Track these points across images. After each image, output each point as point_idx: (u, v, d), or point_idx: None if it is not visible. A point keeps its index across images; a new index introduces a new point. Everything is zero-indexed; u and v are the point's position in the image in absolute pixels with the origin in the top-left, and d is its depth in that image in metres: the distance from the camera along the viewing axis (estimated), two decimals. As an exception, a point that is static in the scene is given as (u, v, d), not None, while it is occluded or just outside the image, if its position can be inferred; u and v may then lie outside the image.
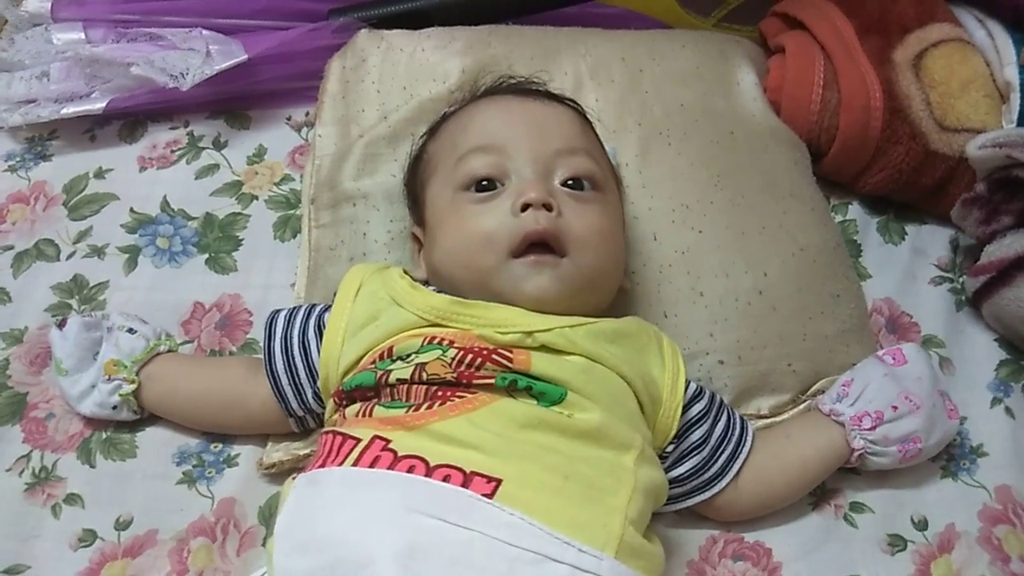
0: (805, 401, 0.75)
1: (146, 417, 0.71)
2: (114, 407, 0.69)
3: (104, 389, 0.68)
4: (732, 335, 0.74)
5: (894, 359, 0.72)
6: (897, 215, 0.90)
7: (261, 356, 0.68)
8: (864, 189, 0.89)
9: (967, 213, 0.83)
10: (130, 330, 0.71)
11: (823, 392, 0.74)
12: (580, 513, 0.53)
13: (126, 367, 0.69)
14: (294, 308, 0.70)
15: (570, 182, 0.66)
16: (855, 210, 0.90)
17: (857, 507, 0.71)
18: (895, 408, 0.68)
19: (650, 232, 0.78)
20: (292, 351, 0.67)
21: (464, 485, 0.52)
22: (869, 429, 0.68)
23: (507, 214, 0.63)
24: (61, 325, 0.71)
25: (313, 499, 0.54)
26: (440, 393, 0.57)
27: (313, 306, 0.69)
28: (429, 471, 0.53)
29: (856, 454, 0.69)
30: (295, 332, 0.67)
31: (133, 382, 0.68)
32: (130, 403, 0.69)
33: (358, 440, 0.56)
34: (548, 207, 0.63)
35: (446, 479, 0.52)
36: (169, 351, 0.72)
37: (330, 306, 0.67)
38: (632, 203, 0.79)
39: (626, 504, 0.55)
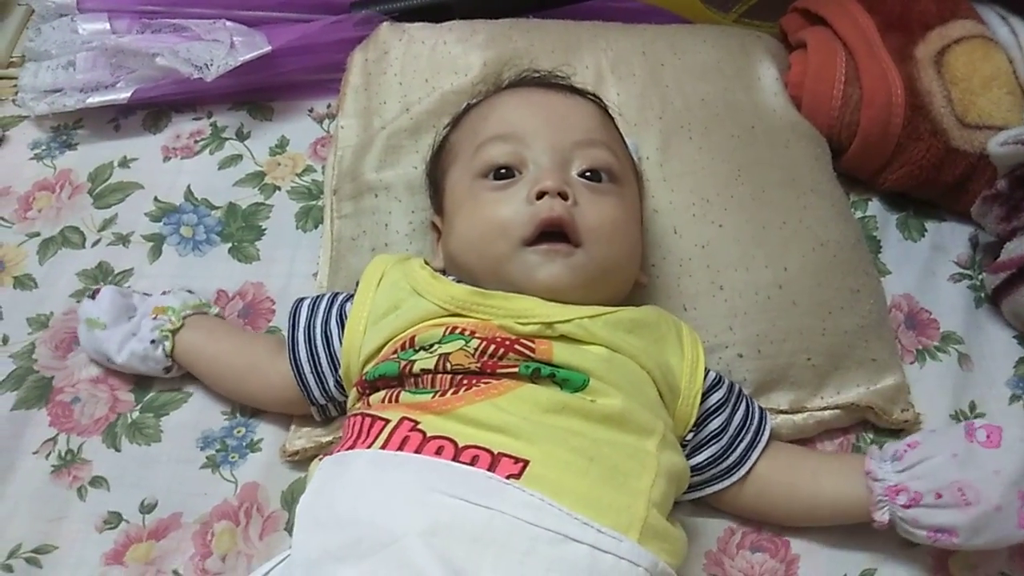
0: (841, 408, 0.73)
1: (176, 377, 0.73)
2: (152, 341, 0.70)
3: (147, 325, 0.71)
4: (752, 329, 0.74)
5: (988, 438, 0.62)
6: (917, 212, 0.90)
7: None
8: (884, 185, 0.89)
9: (987, 210, 0.82)
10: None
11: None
12: (605, 494, 0.54)
13: (175, 310, 0.72)
14: (317, 297, 0.70)
15: (587, 173, 0.67)
16: (875, 206, 0.90)
17: (875, 501, 0.71)
18: (939, 496, 0.61)
19: (670, 226, 0.78)
20: (315, 340, 0.67)
21: (492, 466, 0.52)
22: (903, 506, 0.62)
23: (523, 202, 0.63)
24: (93, 295, 0.74)
25: (338, 479, 0.55)
26: (465, 381, 0.58)
27: (336, 295, 0.70)
28: (457, 452, 0.53)
29: (878, 524, 0.64)
30: (318, 322, 0.68)
31: (176, 323, 0.71)
32: (166, 346, 0.70)
33: (387, 421, 0.56)
34: (564, 195, 0.63)
35: (474, 460, 0.53)
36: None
37: (352, 295, 0.68)
38: (653, 197, 0.79)
39: (650, 487, 0.56)
